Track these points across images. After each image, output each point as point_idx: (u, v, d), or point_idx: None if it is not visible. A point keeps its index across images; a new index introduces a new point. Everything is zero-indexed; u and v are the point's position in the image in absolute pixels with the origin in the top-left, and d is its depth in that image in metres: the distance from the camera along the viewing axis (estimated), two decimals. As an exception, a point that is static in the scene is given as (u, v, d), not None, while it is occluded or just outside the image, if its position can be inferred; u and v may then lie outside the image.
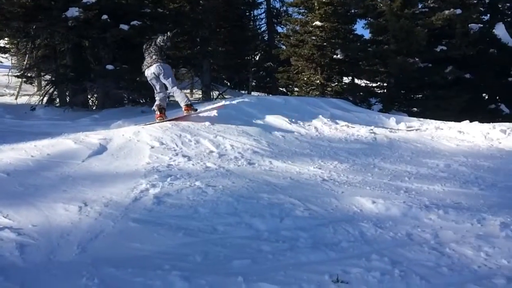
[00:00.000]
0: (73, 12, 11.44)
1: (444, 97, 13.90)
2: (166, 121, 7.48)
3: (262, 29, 24.33)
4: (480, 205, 4.55)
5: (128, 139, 6.58)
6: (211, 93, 17.92)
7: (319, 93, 15.89)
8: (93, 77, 12.82)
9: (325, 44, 15.51)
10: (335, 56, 15.93)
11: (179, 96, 7.73)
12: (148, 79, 7.67)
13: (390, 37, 14.17)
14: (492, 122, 9.76)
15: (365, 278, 2.87)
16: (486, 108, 15.92)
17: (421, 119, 10.20)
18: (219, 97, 17.51)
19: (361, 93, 16.52)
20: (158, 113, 7.61)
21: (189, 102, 7.73)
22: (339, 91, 16.04)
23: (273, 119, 8.39)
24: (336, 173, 5.58)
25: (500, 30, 15.29)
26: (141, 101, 13.40)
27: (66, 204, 4.03)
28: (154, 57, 7.56)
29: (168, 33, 7.66)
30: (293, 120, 8.50)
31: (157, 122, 7.43)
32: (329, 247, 3.39)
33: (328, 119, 8.65)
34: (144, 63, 7.69)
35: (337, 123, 8.58)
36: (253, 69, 22.71)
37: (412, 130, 8.76)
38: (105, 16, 11.79)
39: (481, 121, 9.83)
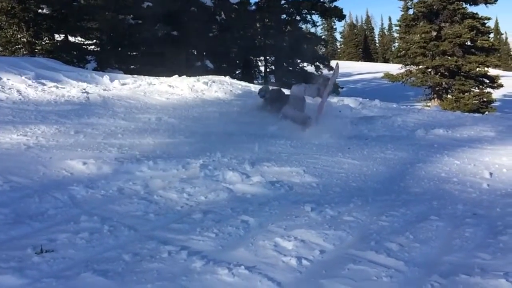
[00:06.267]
0: None
1: (157, 54, 14.49)
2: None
3: None
4: (186, 151, 5.03)
5: None
6: None
7: (27, 52, 14.19)
8: None
9: (25, -4, 13.77)
10: (40, 10, 14.41)
11: None
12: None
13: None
14: (200, 76, 10.76)
15: (72, 241, 2.80)
16: (195, 63, 17.44)
17: (136, 75, 10.38)
18: None
19: (76, 52, 15.59)
20: None
21: None
22: (50, 50, 14.69)
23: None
24: (45, 139, 5.17)
25: (198, -11, 16.72)
26: None
27: None
28: None
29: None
30: (-11, 84, 7.35)
31: None
32: (33, 218, 3.15)
33: (33, 81, 7.85)
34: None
35: (44, 85, 7.87)
36: None
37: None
38: None
39: (191, 75, 10.71)
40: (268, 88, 8.20)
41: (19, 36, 14.27)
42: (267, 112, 7.40)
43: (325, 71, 21.55)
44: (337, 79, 18.17)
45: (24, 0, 13.70)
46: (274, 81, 21.79)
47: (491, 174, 4.61)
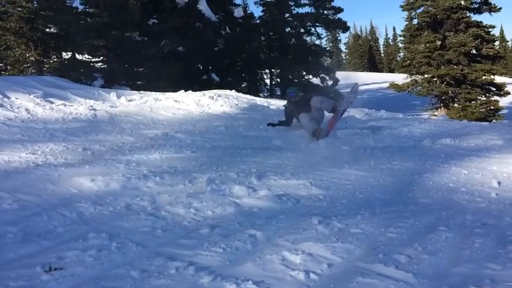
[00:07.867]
0: None
1: (163, 69, 14.64)
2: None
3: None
4: (192, 166, 5.05)
5: None
6: None
7: (35, 71, 14.44)
8: None
9: (33, 16, 14.06)
10: (48, 30, 14.67)
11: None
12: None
13: (102, 10, 13.89)
14: (206, 90, 10.85)
15: (81, 259, 2.81)
16: (201, 77, 17.57)
17: (142, 91, 10.49)
18: None
19: (83, 69, 15.80)
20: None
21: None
22: (58, 68, 14.92)
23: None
24: (53, 156, 5.23)
25: (203, 5, 16.90)
26: None
27: None
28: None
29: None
30: (-3, 103, 7.47)
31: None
32: (42, 236, 3.16)
33: (42, 99, 7.96)
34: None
35: (52, 103, 7.99)
36: None
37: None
38: None
39: (197, 90, 10.81)
40: (299, 91, 7.73)
41: (27, 55, 14.53)
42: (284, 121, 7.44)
43: (330, 83, 21.61)
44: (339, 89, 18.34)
45: (32, 20, 13.97)
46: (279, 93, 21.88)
47: (499, 183, 4.56)
